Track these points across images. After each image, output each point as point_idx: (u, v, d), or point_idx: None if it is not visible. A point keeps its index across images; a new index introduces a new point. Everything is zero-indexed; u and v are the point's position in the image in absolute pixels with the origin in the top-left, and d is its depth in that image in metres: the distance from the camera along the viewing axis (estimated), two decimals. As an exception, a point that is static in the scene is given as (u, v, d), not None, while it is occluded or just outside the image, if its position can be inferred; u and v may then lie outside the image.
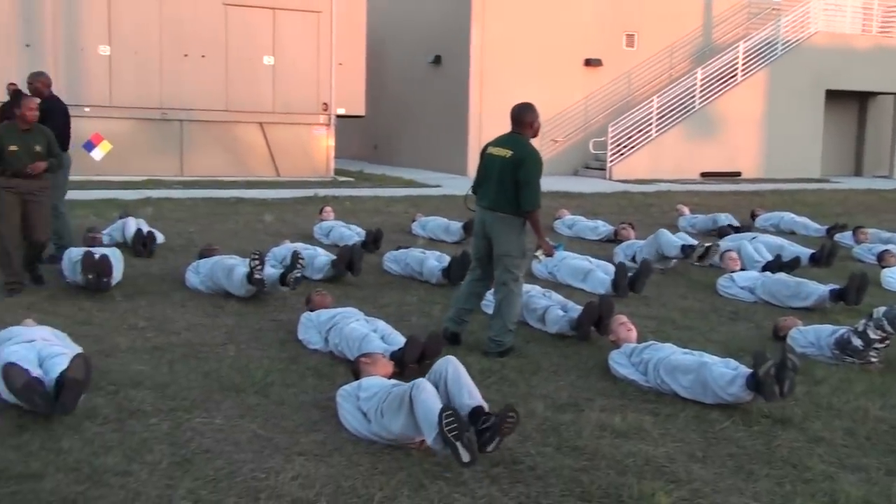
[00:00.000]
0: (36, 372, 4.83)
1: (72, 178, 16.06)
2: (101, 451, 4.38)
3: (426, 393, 4.35)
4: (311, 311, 6.80)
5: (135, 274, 8.79)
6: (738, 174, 24.24)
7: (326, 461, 4.38)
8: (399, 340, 6.01)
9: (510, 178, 6.22)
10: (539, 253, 6.74)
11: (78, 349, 5.48)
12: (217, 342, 6.54)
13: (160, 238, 10.65)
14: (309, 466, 4.30)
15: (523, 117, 6.41)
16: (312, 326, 6.56)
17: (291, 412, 5.08)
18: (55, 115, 9.09)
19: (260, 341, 6.62)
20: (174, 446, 4.51)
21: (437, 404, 4.28)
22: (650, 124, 23.31)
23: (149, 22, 19.13)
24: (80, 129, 17.97)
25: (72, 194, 15.28)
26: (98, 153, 18.63)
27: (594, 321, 6.78)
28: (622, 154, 23.16)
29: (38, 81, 9.35)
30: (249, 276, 7.69)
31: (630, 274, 8.52)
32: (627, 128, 23.34)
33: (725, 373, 5.32)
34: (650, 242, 9.96)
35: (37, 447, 4.41)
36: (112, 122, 19.00)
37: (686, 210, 14.31)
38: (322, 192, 17.34)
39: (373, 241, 10.62)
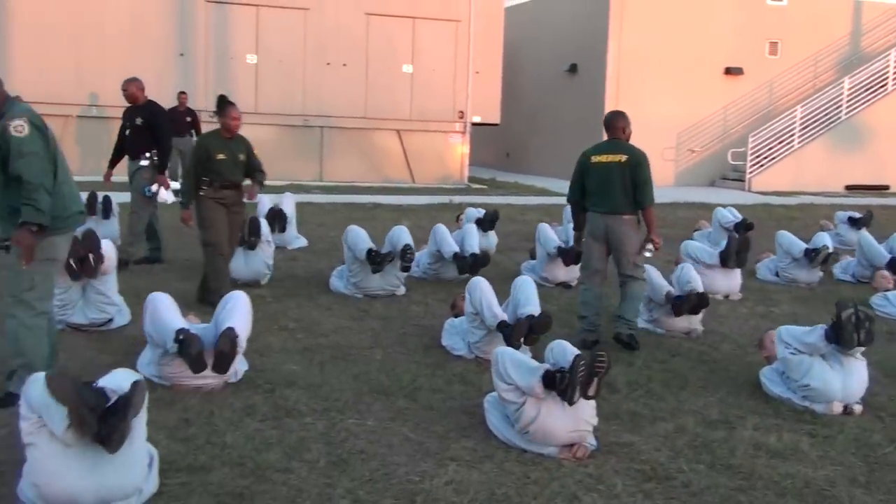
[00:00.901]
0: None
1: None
2: (262, 448, 4.54)
3: None
4: (456, 316, 6.87)
5: (281, 276, 9.07)
6: (885, 187, 23.22)
7: (478, 468, 4.42)
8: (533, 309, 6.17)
9: (629, 180, 6.68)
10: (649, 246, 6.93)
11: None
12: (364, 345, 6.69)
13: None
14: (462, 472, 4.35)
15: (616, 123, 6.90)
16: (456, 332, 6.64)
17: (440, 417, 5.14)
18: (158, 120, 9.30)
19: (405, 346, 6.73)
20: (330, 446, 4.63)
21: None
22: (793, 135, 22.59)
23: (294, 32, 19.75)
24: (227, 134, 18.72)
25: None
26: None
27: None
28: (762, 165, 22.53)
29: (133, 86, 9.33)
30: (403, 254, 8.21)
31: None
32: (768, 138, 22.69)
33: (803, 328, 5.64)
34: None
35: (202, 441, 4.60)
36: (257, 129, 19.55)
37: (830, 224, 13.78)
38: (457, 199, 17.50)
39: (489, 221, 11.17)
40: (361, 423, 4.99)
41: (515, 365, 4.66)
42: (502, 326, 6.14)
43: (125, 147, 9.47)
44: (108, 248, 6.78)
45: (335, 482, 4.18)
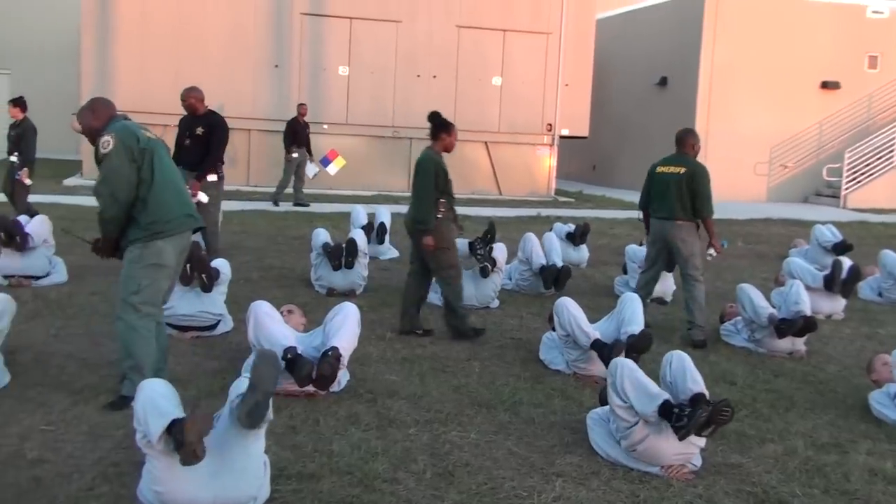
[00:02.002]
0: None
1: (309, 190, 16.96)
2: (368, 457, 4.58)
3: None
4: (553, 330, 6.84)
5: (376, 287, 9.15)
6: None
7: (585, 485, 4.38)
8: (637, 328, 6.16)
9: (687, 190, 7.37)
10: (710, 251, 7.75)
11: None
12: (462, 357, 6.70)
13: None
14: (568, 488, 4.32)
15: (686, 139, 7.63)
16: (555, 346, 6.60)
17: (543, 432, 5.12)
18: (218, 130, 9.21)
19: (502, 359, 6.72)
20: (435, 457, 4.65)
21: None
22: (892, 150, 21.91)
23: (386, 44, 19.96)
24: (318, 144, 19.05)
25: (309, 208, 16.21)
26: (333, 168, 19.56)
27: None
28: (859, 181, 21.89)
29: (192, 97, 9.22)
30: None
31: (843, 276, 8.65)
32: (866, 154, 22.04)
33: None
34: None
35: (310, 449, 4.66)
36: (347, 139, 19.94)
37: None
38: (544, 212, 17.43)
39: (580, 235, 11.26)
40: (465, 436, 4.99)
41: (634, 385, 4.58)
42: (598, 346, 6.08)
43: (181, 157, 9.03)
44: (222, 263, 7.02)
45: (443, 494, 4.20)
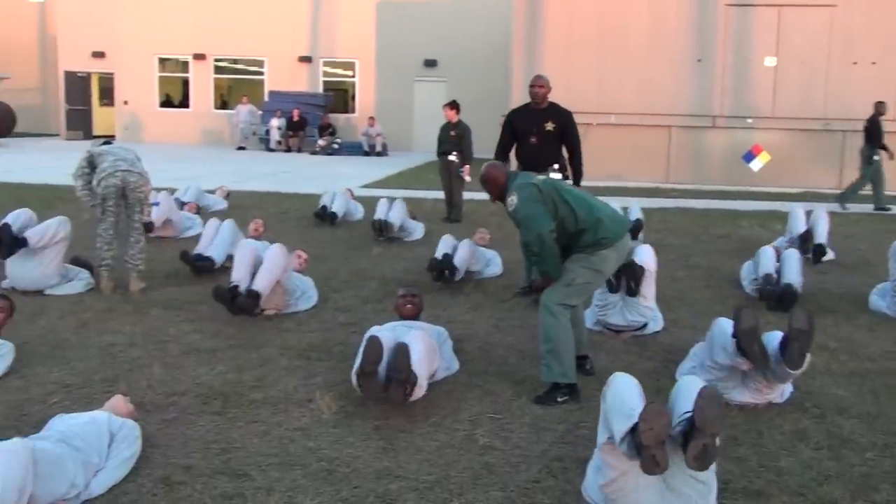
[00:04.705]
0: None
1: (731, 188, 16.36)
2: (822, 479, 4.23)
3: None
4: None
5: (814, 290, 8.54)
6: None
7: None
8: None
9: None
10: None
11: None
12: (920, 375, 6.00)
13: None
14: None
15: None
16: None
17: None
18: (569, 124, 8.14)
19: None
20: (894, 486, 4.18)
21: None
22: None
23: (818, 31, 18.71)
24: (740, 140, 18.39)
25: (733, 205, 15.64)
26: (756, 164, 18.77)
27: None
28: None
29: (536, 85, 8.05)
30: None
31: None
32: None
33: None
34: None
35: (754, 464, 4.41)
36: (772, 133, 19.01)
37: None
38: None
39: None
40: (932, 467, 4.43)
41: None
42: None
43: (535, 155, 8.09)
44: (647, 255, 6.93)
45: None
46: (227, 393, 5.25)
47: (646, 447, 3.41)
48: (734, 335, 4.99)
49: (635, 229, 10.68)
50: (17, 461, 3.43)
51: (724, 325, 5.18)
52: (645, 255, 6.94)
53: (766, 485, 4.16)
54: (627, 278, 6.76)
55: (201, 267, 8.54)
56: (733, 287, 8.74)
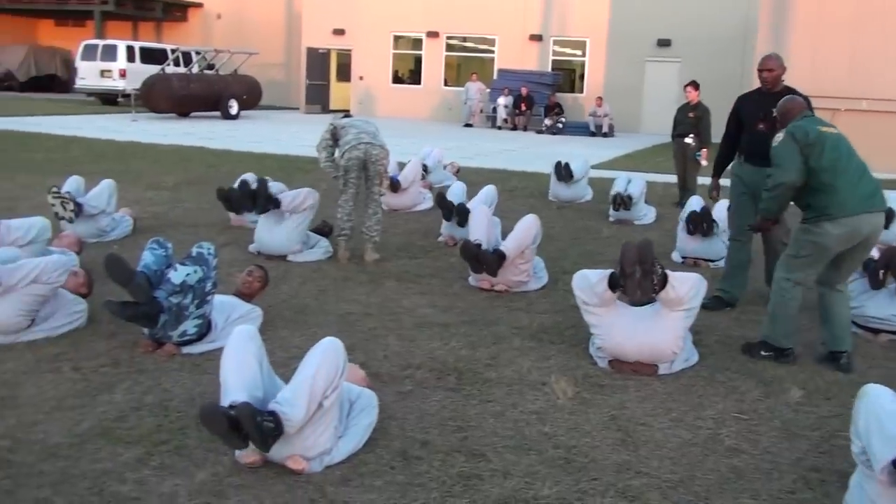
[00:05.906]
0: None
1: None
2: None
3: None
4: None
5: None
6: None
7: None
8: None
9: None
10: None
11: None
12: None
13: None
14: None
15: None
16: None
17: None
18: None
19: None
20: None
21: None
22: None
23: None
24: None
25: None
26: None
27: None
28: None
29: (765, 69, 6.90)
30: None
31: None
32: None
33: None
34: None
35: None
36: None
37: None
38: None
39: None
40: None
41: None
42: None
43: (763, 144, 6.57)
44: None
45: None
46: (461, 369, 5.22)
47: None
48: None
49: (889, 217, 9.80)
50: (340, 349, 3.93)
51: None
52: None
53: None
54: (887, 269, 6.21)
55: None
56: None
